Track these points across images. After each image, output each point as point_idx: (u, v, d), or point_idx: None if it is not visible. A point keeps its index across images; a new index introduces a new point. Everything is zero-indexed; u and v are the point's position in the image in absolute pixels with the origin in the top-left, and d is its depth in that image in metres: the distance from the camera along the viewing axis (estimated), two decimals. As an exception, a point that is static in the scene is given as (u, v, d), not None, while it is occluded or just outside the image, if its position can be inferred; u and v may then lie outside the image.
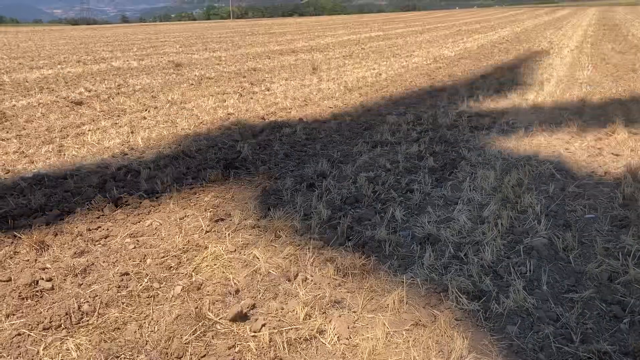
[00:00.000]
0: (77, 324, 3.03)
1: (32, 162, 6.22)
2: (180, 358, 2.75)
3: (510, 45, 20.76)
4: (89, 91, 11.60)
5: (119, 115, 8.92)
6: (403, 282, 3.41)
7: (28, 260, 3.81)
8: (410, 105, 9.38)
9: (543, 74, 12.35)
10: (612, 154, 6.06)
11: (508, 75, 12.49)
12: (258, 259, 3.73)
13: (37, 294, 3.34)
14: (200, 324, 3.02)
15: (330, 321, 3.04)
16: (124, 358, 2.73)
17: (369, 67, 15.18)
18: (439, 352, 2.78)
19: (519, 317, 3.07)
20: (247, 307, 3.15)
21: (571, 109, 8.40)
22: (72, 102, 10.21)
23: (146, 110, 9.39)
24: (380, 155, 6.25)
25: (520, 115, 8.12)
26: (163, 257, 3.82)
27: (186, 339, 2.89)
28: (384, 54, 18.87)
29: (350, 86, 11.61)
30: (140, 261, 3.77)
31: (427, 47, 21.20)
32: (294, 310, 3.13)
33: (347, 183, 5.30)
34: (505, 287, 3.36)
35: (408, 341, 2.88)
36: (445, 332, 2.91)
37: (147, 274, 3.57)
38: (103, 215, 4.65)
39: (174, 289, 3.38)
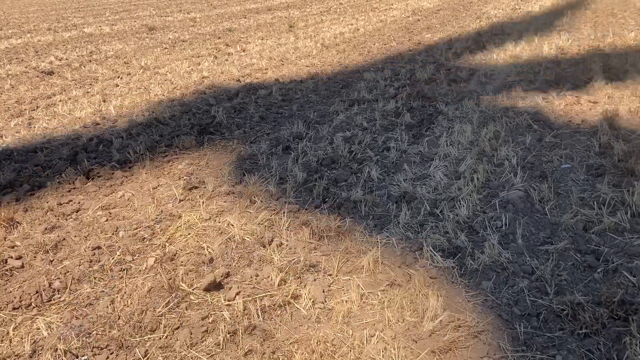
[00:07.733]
0: (48, 302, 2.99)
1: (1, 137, 6.05)
2: (153, 331, 2.72)
3: (490, -6, 20.38)
4: (60, 60, 11.26)
5: (91, 84, 8.68)
6: (378, 242, 3.39)
7: (-3, 238, 3.73)
8: (387, 61, 9.22)
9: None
10: (590, 101, 6.01)
11: (486, 26, 12.30)
12: (232, 226, 3.68)
13: (6, 273, 3.27)
14: (173, 295, 2.99)
15: (305, 286, 3.02)
16: (96, 334, 2.70)
17: (347, 22, 14.87)
18: (414, 311, 2.77)
19: (494, 272, 3.06)
20: (221, 276, 3.11)
21: (550, 58, 8.31)
22: (42, 72, 9.91)
23: (119, 77, 9.14)
24: (357, 113, 6.16)
25: (498, 67, 8.02)
26: (136, 228, 3.76)
27: (159, 312, 2.86)
28: (362, 8, 18.48)
29: (327, 43, 11.38)
30: (113, 234, 3.71)
31: None
32: (268, 277, 3.10)
33: (323, 144, 5.22)
34: (481, 243, 3.34)
35: (383, 302, 2.87)
36: (420, 291, 2.90)
37: (119, 247, 3.51)
38: (74, 188, 4.55)
39: (147, 261, 3.33)
